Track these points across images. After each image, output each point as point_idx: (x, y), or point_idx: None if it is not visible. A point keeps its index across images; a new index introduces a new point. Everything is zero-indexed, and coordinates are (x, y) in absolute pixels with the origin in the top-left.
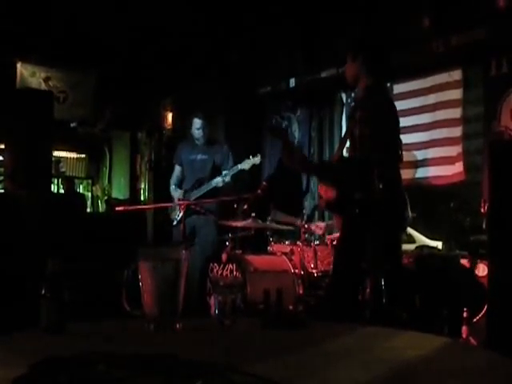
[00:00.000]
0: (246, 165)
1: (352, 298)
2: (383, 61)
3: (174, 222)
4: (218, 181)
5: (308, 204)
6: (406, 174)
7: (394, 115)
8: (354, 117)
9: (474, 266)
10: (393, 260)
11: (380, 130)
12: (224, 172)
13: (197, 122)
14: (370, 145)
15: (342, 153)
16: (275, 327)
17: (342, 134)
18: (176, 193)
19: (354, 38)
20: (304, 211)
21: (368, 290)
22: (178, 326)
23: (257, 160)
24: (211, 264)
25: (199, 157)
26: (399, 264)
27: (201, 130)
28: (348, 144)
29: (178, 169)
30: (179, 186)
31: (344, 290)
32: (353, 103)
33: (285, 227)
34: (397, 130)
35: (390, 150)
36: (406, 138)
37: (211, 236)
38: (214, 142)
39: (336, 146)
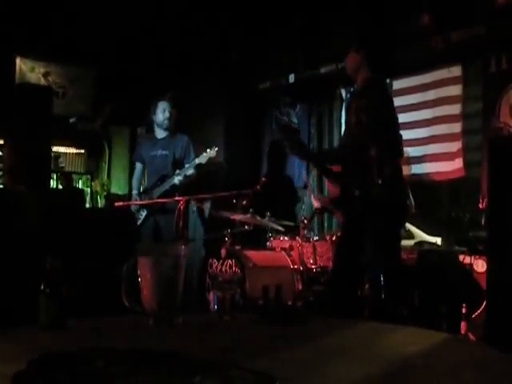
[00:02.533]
0: (202, 159)
1: (352, 294)
2: (385, 57)
3: (139, 222)
4: (176, 179)
5: (307, 199)
6: (405, 169)
7: (392, 108)
8: (351, 107)
9: (472, 261)
10: (392, 255)
11: (377, 119)
12: (177, 172)
13: (162, 104)
14: (366, 132)
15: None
16: (274, 323)
17: (342, 130)
18: (136, 197)
19: (359, 29)
20: (303, 207)
21: (367, 286)
22: (177, 321)
23: (213, 153)
24: (210, 259)
25: (159, 152)
26: (398, 259)
27: (167, 112)
28: (344, 132)
29: (139, 167)
30: (138, 185)
31: (344, 286)
32: (350, 95)
33: (281, 228)
34: (396, 124)
35: (388, 142)
36: (405, 134)
37: (172, 236)
38: (175, 134)
39: (335, 141)
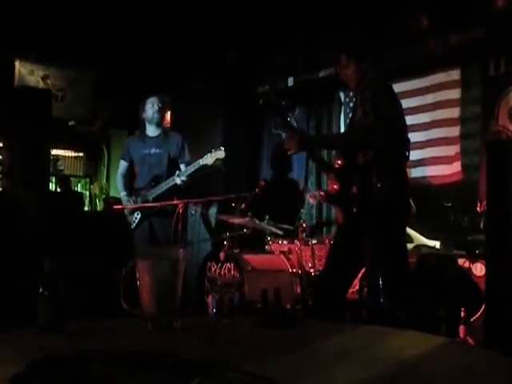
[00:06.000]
0: (208, 159)
1: (339, 296)
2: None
3: (133, 225)
4: (178, 180)
5: (306, 202)
6: None
7: (400, 110)
8: (357, 103)
9: (471, 265)
10: (392, 259)
11: (382, 110)
12: (179, 172)
13: (151, 101)
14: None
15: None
16: (273, 326)
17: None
18: (127, 199)
19: (352, 42)
20: (302, 210)
21: (366, 289)
22: (175, 324)
23: (220, 154)
24: (209, 263)
25: (153, 151)
26: (402, 263)
27: (156, 106)
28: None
29: (123, 165)
30: (126, 184)
31: (332, 287)
32: (354, 96)
33: (280, 232)
34: (402, 128)
35: (391, 144)
36: None
37: (168, 240)
38: (167, 133)
39: None
